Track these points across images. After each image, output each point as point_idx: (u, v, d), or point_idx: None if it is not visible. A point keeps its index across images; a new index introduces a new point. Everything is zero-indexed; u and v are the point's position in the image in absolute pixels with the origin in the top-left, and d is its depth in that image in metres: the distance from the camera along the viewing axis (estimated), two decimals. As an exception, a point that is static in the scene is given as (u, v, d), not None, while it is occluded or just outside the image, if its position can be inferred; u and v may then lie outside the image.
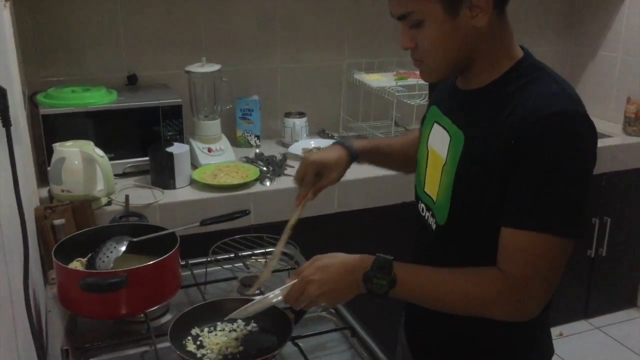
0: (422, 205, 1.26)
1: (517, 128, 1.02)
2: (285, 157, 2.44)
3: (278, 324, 1.23)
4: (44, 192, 2.01)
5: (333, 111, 2.79)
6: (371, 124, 2.76)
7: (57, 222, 1.76)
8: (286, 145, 2.59)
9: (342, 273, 1.12)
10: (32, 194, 1.86)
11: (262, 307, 1.20)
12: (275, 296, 1.17)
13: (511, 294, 1.04)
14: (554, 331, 2.82)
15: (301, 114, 2.62)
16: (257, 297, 1.22)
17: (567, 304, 2.91)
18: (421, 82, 2.51)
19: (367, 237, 2.36)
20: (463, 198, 1.12)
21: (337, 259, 1.16)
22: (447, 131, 1.17)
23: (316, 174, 1.36)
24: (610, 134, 2.85)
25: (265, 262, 1.48)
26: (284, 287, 1.16)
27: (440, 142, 1.19)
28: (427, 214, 1.24)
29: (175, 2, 2.44)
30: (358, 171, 2.27)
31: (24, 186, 1.53)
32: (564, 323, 2.93)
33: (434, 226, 1.20)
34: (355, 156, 1.42)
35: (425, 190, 1.24)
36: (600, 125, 2.92)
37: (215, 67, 2.35)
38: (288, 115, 2.61)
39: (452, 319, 1.11)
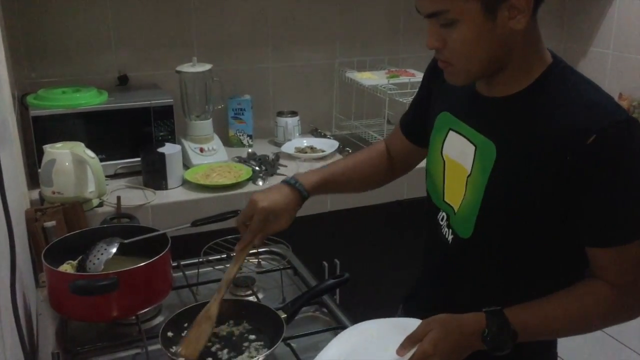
0: (443, 214, 1.21)
1: (574, 141, 0.98)
2: (278, 156, 2.43)
3: (270, 324, 1.22)
4: (35, 194, 2.00)
5: (325, 110, 2.78)
6: (364, 122, 2.76)
7: (47, 224, 1.75)
8: (279, 145, 2.58)
9: (462, 341, 1.05)
10: (23, 196, 1.85)
11: None
12: None
13: (625, 302, 1.06)
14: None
15: (293, 113, 2.61)
16: None
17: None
18: (413, 79, 2.50)
19: (361, 236, 2.36)
20: (494, 212, 1.09)
21: (452, 325, 1.05)
22: (469, 140, 1.13)
23: (263, 220, 1.26)
24: (603, 130, 2.85)
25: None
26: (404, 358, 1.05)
27: (459, 151, 1.15)
28: (444, 224, 1.19)
29: (166, 2, 2.43)
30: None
31: (14, 189, 1.52)
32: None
33: (450, 238, 1.17)
34: (306, 196, 1.33)
35: (446, 200, 1.19)
36: (592, 122, 2.95)
37: (207, 66, 2.34)
38: (280, 114, 2.61)
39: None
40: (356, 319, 1.39)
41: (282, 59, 2.68)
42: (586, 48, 3.09)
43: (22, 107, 2.18)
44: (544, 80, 1.06)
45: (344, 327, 1.35)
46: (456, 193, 1.15)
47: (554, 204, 1.03)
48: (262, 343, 1.22)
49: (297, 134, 2.60)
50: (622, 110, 1.02)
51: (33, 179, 2.05)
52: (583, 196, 1.00)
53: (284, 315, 1.23)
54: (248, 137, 2.58)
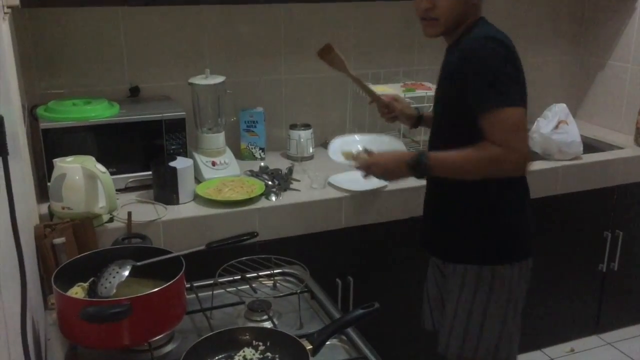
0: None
1: (466, 51, 1.60)
2: (291, 170, 2.38)
3: (295, 355, 1.17)
4: (44, 208, 1.96)
5: (339, 123, 2.73)
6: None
7: (57, 241, 1.70)
8: (292, 158, 2.53)
9: (392, 162, 1.71)
10: (32, 211, 1.81)
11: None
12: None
13: (506, 155, 1.54)
14: (565, 347, 2.79)
15: (306, 126, 2.57)
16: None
17: (578, 319, 2.85)
18: (430, 93, 2.46)
19: (376, 252, 2.31)
20: (438, 110, 1.78)
21: (387, 153, 1.79)
22: None
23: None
24: (622, 145, 2.79)
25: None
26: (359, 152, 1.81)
27: None
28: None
29: (179, 13, 2.39)
30: (365, 183, 2.23)
31: (23, 204, 1.47)
32: (575, 339, 2.87)
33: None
34: (420, 116, 2.02)
35: None
36: (610, 137, 2.89)
37: (219, 78, 2.30)
38: (293, 127, 2.56)
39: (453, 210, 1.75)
40: (376, 347, 1.34)
41: (295, 71, 2.63)
42: (604, 61, 3.03)
43: (32, 118, 2.14)
44: (471, 28, 1.65)
45: (364, 357, 1.30)
46: None
47: (461, 94, 1.59)
48: None
49: (311, 148, 2.55)
50: (498, 33, 1.60)
51: (42, 193, 2.01)
52: (467, 85, 1.57)
53: (309, 347, 1.17)
54: (260, 150, 2.53)
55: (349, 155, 1.86)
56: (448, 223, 1.77)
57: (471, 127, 1.58)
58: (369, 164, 1.73)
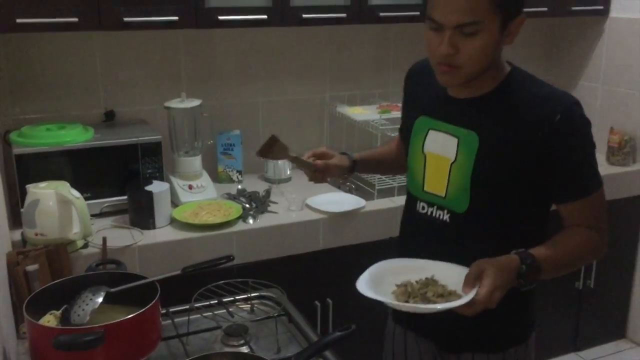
0: (423, 203, 1.43)
1: (544, 121, 1.26)
2: (268, 192, 2.38)
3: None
4: (17, 234, 1.93)
5: (316, 144, 2.73)
6: (355, 157, 2.72)
7: (30, 268, 1.67)
8: (269, 180, 2.53)
9: (508, 274, 1.23)
10: (4, 238, 1.78)
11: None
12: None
13: (602, 240, 1.36)
14: (544, 366, 2.80)
15: (284, 148, 2.57)
16: (439, 305, 1.21)
17: (556, 337, 2.86)
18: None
19: (355, 273, 2.30)
20: (483, 187, 1.33)
21: (497, 263, 1.24)
22: (451, 134, 1.36)
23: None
24: (594, 163, 2.84)
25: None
26: (466, 298, 1.19)
27: (441, 145, 1.38)
28: (431, 209, 1.41)
29: (154, 37, 2.39)
30: (343, 204, 2.24)
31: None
32: (553, 357, 2.88)
33: (447, 217, 1.38)
34: (354, 164, 1.63)
35: (426, 189, 1.42)
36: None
37: (196, 102, 2.30)
38: (270, 149, 2.56)
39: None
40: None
41: (272, 93, 2.65)
42: (575, 82, 3.10)
43: (4, 144, 2.11)
44: (508, 82, 1.34)
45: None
46: (439, 181, 1.39)
47: (530, 172, 1.30)
48: None
49: (289, 170, 2.55)
50: (571, 96, 1.32)
51: (15, 219, 1.98)
52: (554, 163, 1.29)
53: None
54: (238, 173, 2.53)
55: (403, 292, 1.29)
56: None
57: (525, 208, 1.36)
58: (490, 291, 1.19)
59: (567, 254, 1.33)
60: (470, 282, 1.21)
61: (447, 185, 1.37)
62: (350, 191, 2.48)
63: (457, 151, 1.35)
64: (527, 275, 1.25)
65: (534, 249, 1.29)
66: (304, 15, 2.30)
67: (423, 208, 1.44)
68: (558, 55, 3.18)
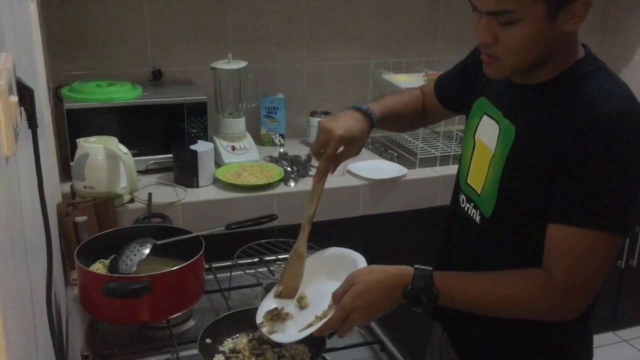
0: (463, 196, 1.26)
1: (572, 126, 1.02)
2: (310, 157, 2.39)
3: (311, 336, 1.18)
4: (67, 187, 1.98)
5: (359, 111, 2.73)
6: (398, 125, 2.70)
7: (79, 219, 1.73)
8: (311, 145, 2.53)
9: (383, 293, 1.09)
10: (55, 190, 1.83)
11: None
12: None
13: (554, 294, 1.04)
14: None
15: (326, 113, 2.57)
16: (300, 333, 1.14)
17: (594, 315, 2.82)
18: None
19: (392, 242, 2.31)
20: (510, 192, 1.12)
21: (374, 278, 1.10)
22: (498, 123, 1.17)
23: (339, 147, 1.26)
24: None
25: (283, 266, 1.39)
26: (324, 320, 1.10)
27: (489, 134, 1.18)
28: (469, 205, 1.23)
29: (203, -3, 2.40)
30: (384, 172, 2.23)
31: (47, 184, 1.50)
32: (590, 334, 2.85)
33: (478, 219, 1.20)
34: (374, 124, 1.32)
35: (468, 182, 1.24)
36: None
37: (242, 64, 2.31)
38: (313, 114, 2.56)
39: (494, 321, 1.11)
40: (392, 332, 1.35)
41: (317, 58, 2.63)
42: (630, 56, 2.99)
43: (56, 99, 2.17)
44: (571, 72, 1.09)
45: (379, 342, 1.31)
46: (479, 175, 1.19)
47: (552, 180, 1.05)
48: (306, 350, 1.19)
49: (330, 135, 2.55)
50: (629, 100, 1.03)
51: (65, 172, 2.04)
52: (564, 173, 1.04)
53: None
54: (280, 137, 2.54)
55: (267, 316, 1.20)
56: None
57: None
58: (348, 311, 1.09)
59: (486, 294, 1.08)
60: (337, 299, 1.10)
61: (484, 182, 1.18)
62: (392, 159, 2.47)
63: (496, 144, 1.15)
64: (413, 299, 1.07)
65: (449, 273, 1.12)
66: (353, -21, 2.27)
67: (463, 202, 1.26)
68: (613, 27, 3.07)
